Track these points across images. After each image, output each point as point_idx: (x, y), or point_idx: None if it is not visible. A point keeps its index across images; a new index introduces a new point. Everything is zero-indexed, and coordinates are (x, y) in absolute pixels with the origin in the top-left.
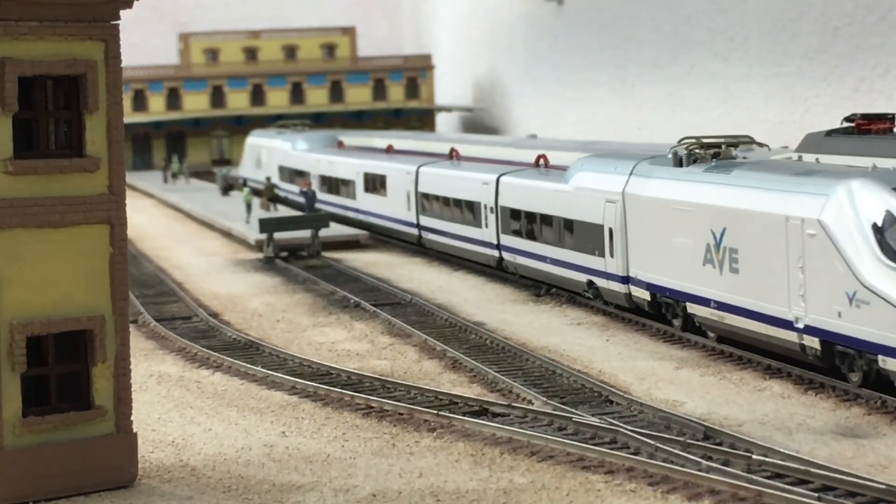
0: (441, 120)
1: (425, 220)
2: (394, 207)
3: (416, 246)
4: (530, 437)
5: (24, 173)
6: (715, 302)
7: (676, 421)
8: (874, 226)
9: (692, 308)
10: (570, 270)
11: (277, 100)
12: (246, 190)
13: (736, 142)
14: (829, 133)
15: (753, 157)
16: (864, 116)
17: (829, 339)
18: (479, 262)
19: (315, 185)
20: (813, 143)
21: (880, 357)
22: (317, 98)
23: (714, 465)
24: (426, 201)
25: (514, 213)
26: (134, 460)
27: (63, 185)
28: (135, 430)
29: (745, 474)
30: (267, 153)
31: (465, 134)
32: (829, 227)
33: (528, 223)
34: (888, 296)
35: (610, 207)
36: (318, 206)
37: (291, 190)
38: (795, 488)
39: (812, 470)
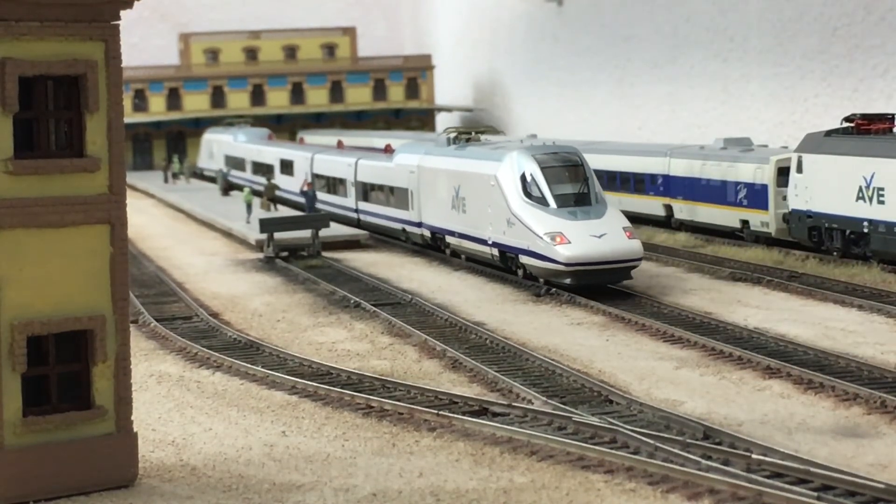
0: (441, 120)
1: (318, 195)
2: (298, 185)
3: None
4: (530, 436)
5: (24, 173)
6: (457, 233)
7: (676, 420)
8: (522, 177)
9: (449, 239)
10: (393, 222)
11: (278, 100)
12: (246, 190)
13: (484, 130)
14: (829, 133)
15: (494, 141)
16: (864, 116)
17: (501, 249)
18: (346, 223)
19: (249, 170)
20: (813, 142)
21: (520, 256)
22: (317, 98)
23: (714, 464)
24: (318, 180)
25: (366, 185)
26: (134, 460)
27: (63, 185)
28: (135, 430)
29: (744, 474)
30: (217, 146)
31: (348, 129)
32: (500, 180)
33: (372, 191)
34: (523, 219)
35: (411, 176)
36: (245, 185)
37: (238, 175)
38: (795, 488)
39: (812, 469)
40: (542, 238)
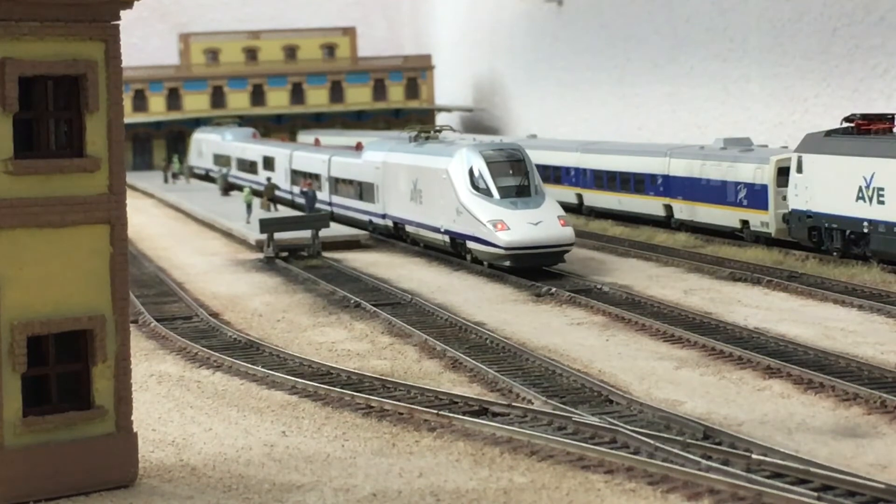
0: (441, 120)
1: (295, 188)
2: (279, 179)
3: (292, 207)
4: (530, 436)
5: (24, 173)
6: (415, 223)
7: (676, 420)
8: (469, 171)
9: (408, 229)
10: (362, 214)
11: (278, 100)
12: (246, 190)
13: (440, 129)
14: (829, 133)
15: (449, 139)
16: (864, 116)
17: (452, 236)
18: None
19: (234, 166)
20: (813, 143)
21: (467, 242)
22: (317, 98)
23: (713, 464)
24: (296, 175)
25: (338, 180)
26: (134, 460)
27: (63, 185)
28: (135, 430)
29: (744, 474)
30: (206, 144)
31: (325, 129)
32: (451, 173)
33: (343, 186)
34: (470, 208)
35: (377, 171)
36: (233, 180)
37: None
38: (795, 488)
39: (812, 469)
40: (485, 225)
